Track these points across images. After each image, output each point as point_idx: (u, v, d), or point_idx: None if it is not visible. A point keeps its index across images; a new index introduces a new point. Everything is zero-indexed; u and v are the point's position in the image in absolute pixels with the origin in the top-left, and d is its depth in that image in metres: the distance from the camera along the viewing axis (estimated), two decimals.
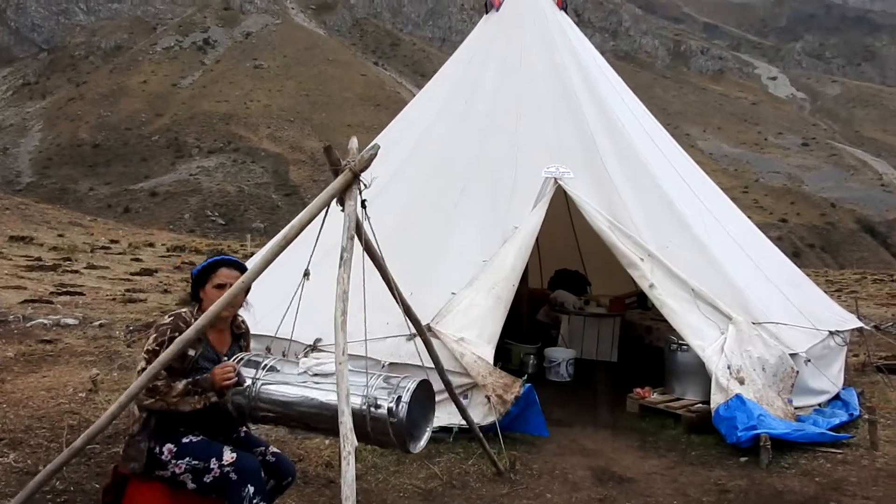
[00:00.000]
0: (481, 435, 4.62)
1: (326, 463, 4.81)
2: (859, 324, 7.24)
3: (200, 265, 3.30)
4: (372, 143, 3.49)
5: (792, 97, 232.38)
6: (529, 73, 7.39)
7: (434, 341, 5.62)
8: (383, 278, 3.90)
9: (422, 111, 7.84)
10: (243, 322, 3.50)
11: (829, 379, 6.06)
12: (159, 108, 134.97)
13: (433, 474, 4.70)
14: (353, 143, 3.44)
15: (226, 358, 3.25)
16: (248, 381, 3.14)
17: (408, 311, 4.20)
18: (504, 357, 7.68)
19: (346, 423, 2.84)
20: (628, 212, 6.33)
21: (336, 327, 3.06)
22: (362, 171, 3.30)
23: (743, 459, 4.95)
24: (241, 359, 3.25)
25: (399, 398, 3.05)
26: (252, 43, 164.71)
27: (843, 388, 6.43)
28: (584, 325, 8.31)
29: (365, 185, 3.36)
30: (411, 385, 3.12)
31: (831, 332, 6.30)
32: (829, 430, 5.39)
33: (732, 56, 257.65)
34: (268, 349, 5.98)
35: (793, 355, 5.63)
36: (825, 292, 20.71)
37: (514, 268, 6.04)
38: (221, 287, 3.19)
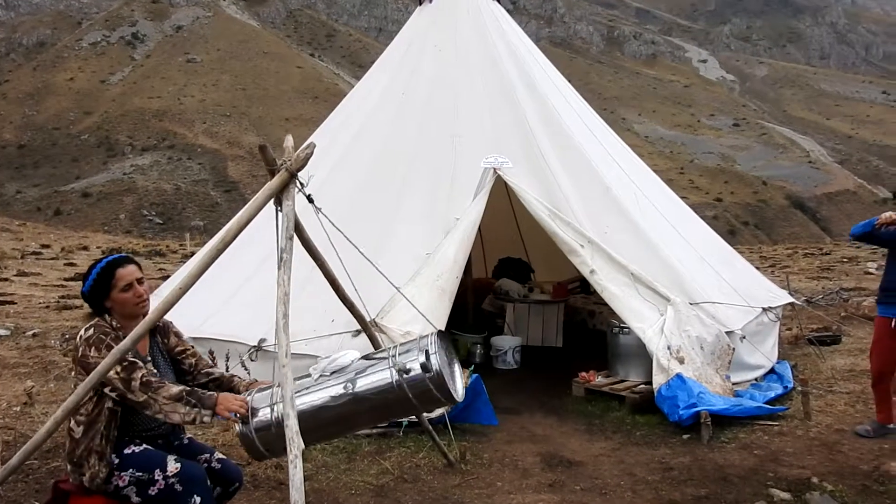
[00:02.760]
0: (431, 428, 4.65)
1: (276, 465, 4.75)
2: (791, 299, 7.51)
3: (89, 280, 3.07)
4: (307, 142, 3.45)
5: (722, 79, 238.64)
6: (465, 65, 7.41)
7: (380, 336, 5.63)
8: (325, 276, 3.87)
9: (359, 105, 7.78)
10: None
11: (763, 354, 6.28)
12: (88, 105, 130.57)
13: (384, 469, 4.70)
14: (289, 141, 3.39)
15: (149, 359, 3.16)
16: (267, 412, 3.02)
17: (351, 309, 4.19)
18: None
19: (292, 427, 2.82)
20: (567, 199, 6.42)
21: (278, 329, 3.03)
22: (299, 170, 3.26)
23: (686, 437, 5.10)
24: (251, 392, 3.13)
25: (427, 352, 3.04)
26: (183, 37, 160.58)
27: (777, 362, 6.68)
28: (528, 313, 8.41)
29: (302, 183, 3.32)
30: (432, 338, 3.12)
31: (764, 309, 6.53)
32: (766, 403, 5.60)
33: (664, 40, 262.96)
34: (211, 353, 5.91)
35: (729, 333, 5.82)
36: (759, 268, 21.44)
37: (456, 260, 6.06)
38: (129, 287, 3.04)
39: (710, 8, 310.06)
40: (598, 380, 6.22)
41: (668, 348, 5.51)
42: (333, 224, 3.59)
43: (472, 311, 8.28)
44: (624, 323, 5.95)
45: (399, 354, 3.08)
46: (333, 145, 7.32)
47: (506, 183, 6.50)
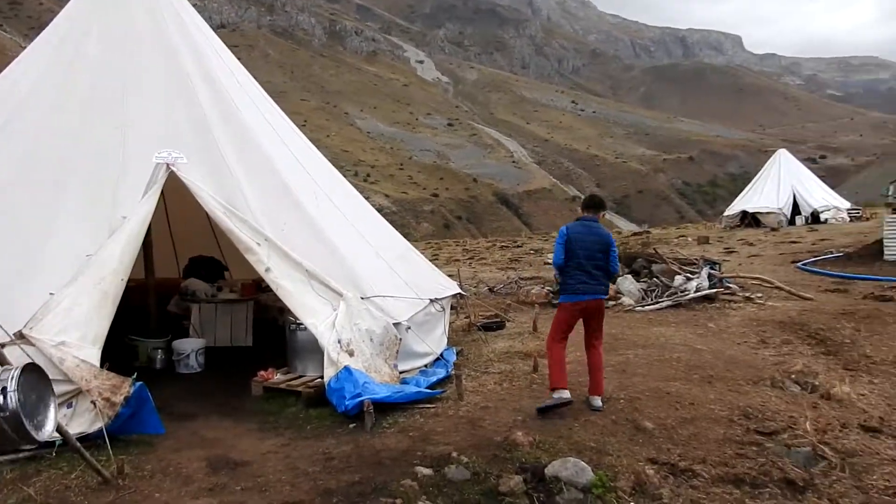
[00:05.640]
0: (78, 444, 4.35)
1: None
2: (458, 290, 8.22)
3: None
4: None
5: (438, 80, 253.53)
6: (137, 53, 6.98)
7: (29, 349, 5.14)
8: None
9: (10, 91, 6.94)
10: None
11: (428, 343, 6.79)
12: None
13: (27, 496, 4.28)
14: None
15: None
16: None
17: None
18: (131, 355, 7.30)
19: None
20: (244, 196, 6.37)
21: None
22: None
23: (352, 426, 5.33)
24: None
25: (4, 389, 2.73)
26: None
27: (446, 349, 7.29)
28: (216, 313, 8.22)
29: None
30: (15, 373, 2.82)
31: (432, 300, 7.07)
32: (429, 387, 6.08)
33: (384, 39, 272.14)
34: None
35: (396, 324, 6.21)
36: (459, 260, 23.05)
37: (122, 261, 5.71)
38: None
39: (425, 11, 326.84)
40: (277, 377, 6.28)
41: (339, 342, 5.74)
42: None
43: (156, 315, 7.87)
44: (299, 319, 6.07)
45: None
46: None
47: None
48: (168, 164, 6.23)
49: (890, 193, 16.41)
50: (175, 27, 7.33)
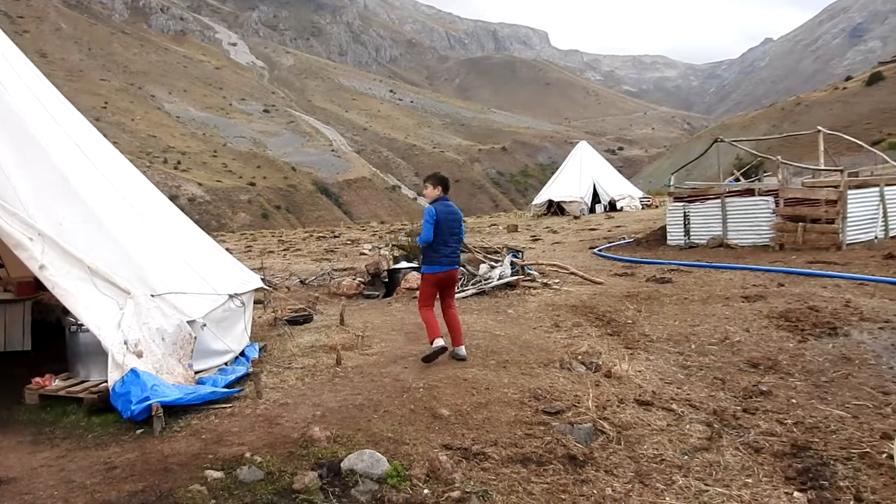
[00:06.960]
0: None
1: None
2: (261, 284, 8.01)
3: None
4: None
5: (252, 64, 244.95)
6: None
7: None
8: None
9: None
10: None
11: (226, 340, 6.53)
12: None
13: None
14: None
15: None
16: None
17: None
18: None
19: None
20: (14, 187, 5.75)
21: None
22: None
23: (139, 432, 5.02)
24: None
25: None
26: None
27: (249, 345, 7.06)
28: None
29: None
30: None
31: (231, 296, 6.81)
32: (227, 386, 5.86)
33: (194, 18, 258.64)
34: None
35: (190, 322, 5.91)
36: (274, 252, 22.47)
37: None
38: None
39: None
40: (56, 383, 5.78)
41: (125, 343, 5.37)
42: None
43: None
44: (80, 320, 5.61)
45: None
46: None
47: None
48: None
49: (672, 183, 18.10)
50: None
